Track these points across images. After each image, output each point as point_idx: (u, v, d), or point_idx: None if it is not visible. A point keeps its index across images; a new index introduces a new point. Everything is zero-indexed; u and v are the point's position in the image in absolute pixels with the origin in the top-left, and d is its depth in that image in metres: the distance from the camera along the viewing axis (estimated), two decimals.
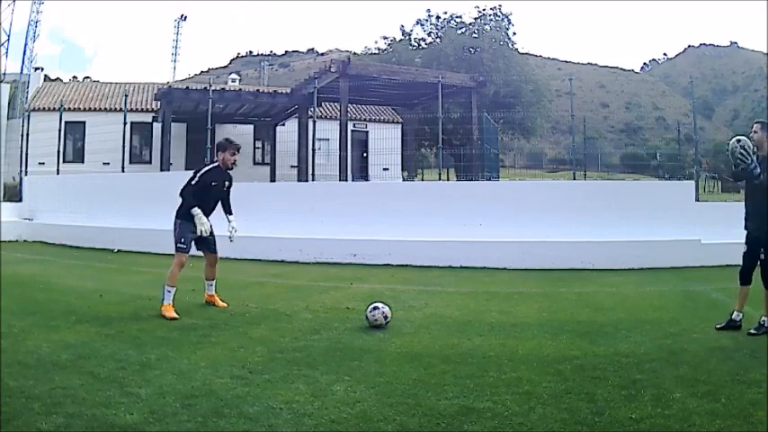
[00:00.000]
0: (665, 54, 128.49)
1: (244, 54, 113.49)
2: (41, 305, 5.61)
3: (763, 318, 4.63)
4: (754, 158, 4.77)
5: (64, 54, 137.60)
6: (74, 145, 20.97)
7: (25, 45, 25.78)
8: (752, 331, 4.58)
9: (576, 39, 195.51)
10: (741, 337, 4.56)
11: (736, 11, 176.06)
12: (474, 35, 30.98)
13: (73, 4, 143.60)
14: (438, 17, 32.56)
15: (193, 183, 5.45)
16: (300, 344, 4.33)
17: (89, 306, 5.57)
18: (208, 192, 5.54)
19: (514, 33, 35.19)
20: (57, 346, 4.05)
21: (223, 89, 19.74)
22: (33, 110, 20.24)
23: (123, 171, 14.28)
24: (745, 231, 4.96)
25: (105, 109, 21.04)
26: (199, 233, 5.32)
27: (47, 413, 2.82)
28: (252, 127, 21.69)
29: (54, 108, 18.02)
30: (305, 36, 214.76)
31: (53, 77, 40.95)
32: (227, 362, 3.80)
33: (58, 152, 14.97)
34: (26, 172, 15.59)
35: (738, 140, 4.85)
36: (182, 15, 47.47)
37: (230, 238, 5.71)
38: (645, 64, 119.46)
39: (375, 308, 4.89)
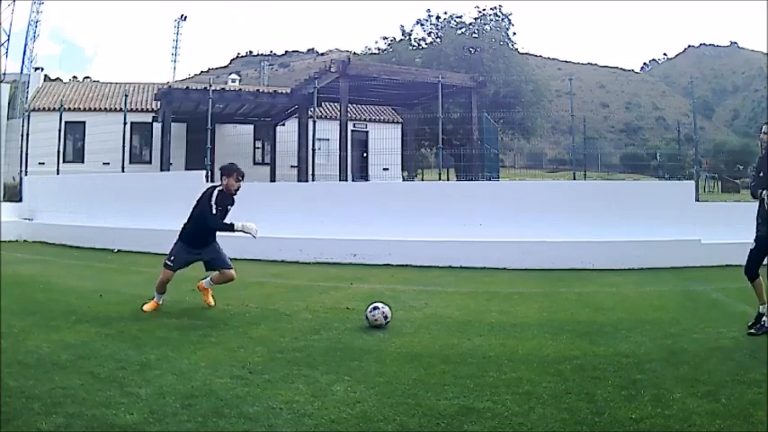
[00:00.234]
0: (665, 54, 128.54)
1: (244, 54, 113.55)
2: (41, 305, 5.61)
3: (764, 318, 4.63)
4: None
5: (64, 54, 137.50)
6: (74, 145, 20.97)
7: (25, 45, 25.80)
8: (752, 331, 4.58)
9: (576, 39, 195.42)
10: (741, 337, 4.56)
11: (736, 11, 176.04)
12: (474, 35, 30.97)
13: (73, 4, 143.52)
14: (438, 17, 32.57)
15: (215, 211, 5.38)
16: (300, 344, 4.33)
17: (89, 306, 5.58)
18: (220, 215, 5.53)
19: (514, 33, 35.20)
20: (57, 346, 4.05)
21: (223, 89, 19.74)
22: (33, 110, 20.24)
23: (123, 171, 14.28)
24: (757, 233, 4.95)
25: (105, 109, 21.04)
26: (255, 234, 5.32)
27: (47, 413, 2.82)
28: (252, 127, 21.69)
29: (54, 108, 18.02)
30: (305, 36, 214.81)
31: (53, 77, 40.98)
32: (227, 362, 3.80)
33: (58, 152, 14.96)
34: (26, 172, 15.58)
35: None
36: (182, 15, 47.42)
37: (254, 235, 5.53)
38: (645, 64, 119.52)
39: (375, 308, 4.89)
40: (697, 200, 11.14)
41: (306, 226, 10.32)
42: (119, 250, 10.98)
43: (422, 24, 32.88)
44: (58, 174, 14.83)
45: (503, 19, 31.75)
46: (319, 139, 13.20)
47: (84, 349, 4.02)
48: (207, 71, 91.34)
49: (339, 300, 6.25)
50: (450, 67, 26.35)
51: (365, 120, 23.61)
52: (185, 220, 5.63)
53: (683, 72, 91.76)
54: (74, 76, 65.84)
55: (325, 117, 18.64)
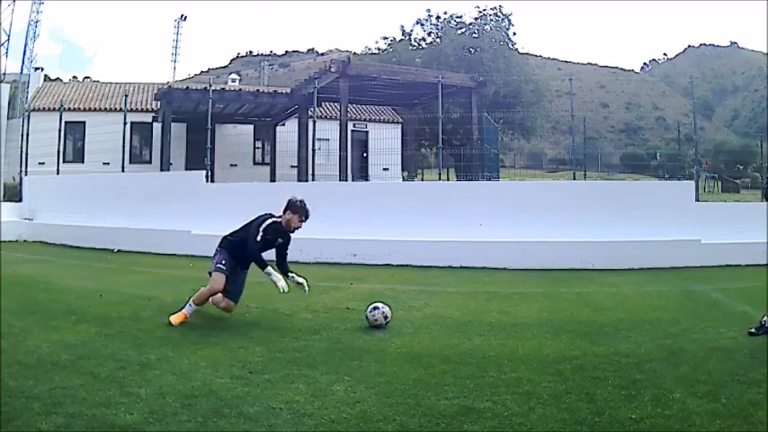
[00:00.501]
0: (665, 54, 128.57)
1: (244, 54, 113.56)
2: (41, 305, 5.61)
3: (765, 317, 4.62)
4: None
5: (64, 54, 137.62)
6: (74, 145, 20.96)
7: (25, 45, 25.78)
8: (752, 330, 4.58)
9: (576, 39, 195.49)
10: (741, 337, 4.56)
11: (736, 11, 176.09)
12: (474, 35, 30.97)
13: (73, 4, 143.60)
14: (438, 17, 32.57)
15: (259, 239, 5.05)
16: (300, 344, 4.33)
17: (89, 306, 5.57)
18: (262, 245, 5.15)
19: (514, 33, 35.17)
20: (57, 346, 4.05)
21: (223, 89, 19.73)
22: (33, 110, 20.24)
23: (123, 171, 14.28)
24: None
25: (105, 109, 21.03)
26: (281, 290, 4.91)
27: (47, 413, 2.82)
28: (252, 127, 21.69)
29: (54, 108, 18.02)
30: (305, 36, 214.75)
31: (53, 77, 40.96)
32: (227, 362, 3.80)
33: (58, 152, 14.96)
34: (26, 172, 15.58)
35: None
36: (182, 15, 47.41)
37: (305, 289, 5.12)
38: (645, 64, 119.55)
39: (375, 308, 4.89)
40: (697, 200, 11.14)
41: (306, 226, 10.27)
42: (119, 250, 10.98)
43: (422, 24, 32.91)
44: (58, 174, 14.82)
45: (503, 19, 31.77)
46: (319, 139, 13.20)
47: (84, 349, 4.02)
48: (207, 71, 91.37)
49: (339, 300, 6.25)
50: (450, 67, 26.34)
51: (365, 120, 23.61)
52: (230, 232, 5.33)
53: (683, 72, 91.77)
54: (74, 76, 65.89)
55: (326, 117, 18.63)
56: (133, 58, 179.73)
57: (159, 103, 18.37)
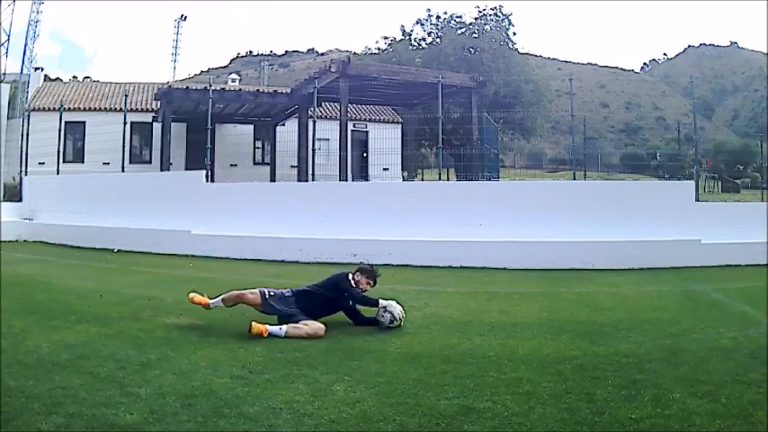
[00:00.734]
0: (665, 54, 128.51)
1: (244, 54, 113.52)
2: (41, 305, 5.61)
3: None
4: None
5: (64, 54, 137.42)
6: (74, 145, 20.96)
7: (25, 45, 25.77)
8: None
9: (576, 39, 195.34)
10: (741, 336, 4.56)
11: (736, 11, 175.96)
12: (474, 35, 30.98)
13: (73, 4, 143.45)
14: (438, 17, 32.59)
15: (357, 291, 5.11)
16: (300, 344, 4.32)
17: (89, 306, 5.57)
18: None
19: (514, 33, 35.17)
20: (57, 346, 4.05)
21: (223, 89, 19.73)
22: (33, 110, 20.24)
23: (123, 171, 14.28)
24: None
25: (105, 109, 21.03)
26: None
27: (47, 413, 2.82)
28: (252, 127, 21.69)
29: (54, 108, 18.02)
30: (305, 36, 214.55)
31: (53, 77, 40.93)
32: (227, 362, 3.80)
33: (58, 152, 14.96)
34: (26, 172, 15.58)
35: None
36: (182, 15, 47.40)
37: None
38: (645, 64, 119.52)
39: (385, 309, 4.87)
40: (697, 200, 11.14)
41: (306, 226, 10.32)
42: (119, 250, 10.97)
43: (422, 24, 32.92)
44: (58, 174, 14.82)
45: (503, 19, 31.77)
46: (319, 139, 13.19)
47: (84, 349, 4.02)
48: (207, 71, 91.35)
49: None
50: (450, 67, 26.34)
51: (365, 120, 23.61)
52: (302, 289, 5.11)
53: (683, 72, 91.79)
54: (74, 76, 65.84)
55: (326, 117, 18.63)
56: (133, 58, 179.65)
57: (159, 102, 18.37)
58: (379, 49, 33.52)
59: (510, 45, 31.52)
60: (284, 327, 4.60)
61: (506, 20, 31.85)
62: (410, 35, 33.00)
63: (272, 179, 19.43)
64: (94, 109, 21.31)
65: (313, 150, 12.64)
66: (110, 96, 22.35)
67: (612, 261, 8.93)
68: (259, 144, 22.76)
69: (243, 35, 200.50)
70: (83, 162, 19.99)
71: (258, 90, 20.57)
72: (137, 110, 20.92)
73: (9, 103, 21.48)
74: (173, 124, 17.29)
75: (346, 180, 15.28)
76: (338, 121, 16.16)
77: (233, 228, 10.76)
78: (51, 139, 15.10)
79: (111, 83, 24.78)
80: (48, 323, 4.77)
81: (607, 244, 9.26)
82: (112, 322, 4.90)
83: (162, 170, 17.33)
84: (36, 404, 2.93)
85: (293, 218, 10.57)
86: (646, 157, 29.07)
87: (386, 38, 33.89)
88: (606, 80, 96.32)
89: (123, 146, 14.46)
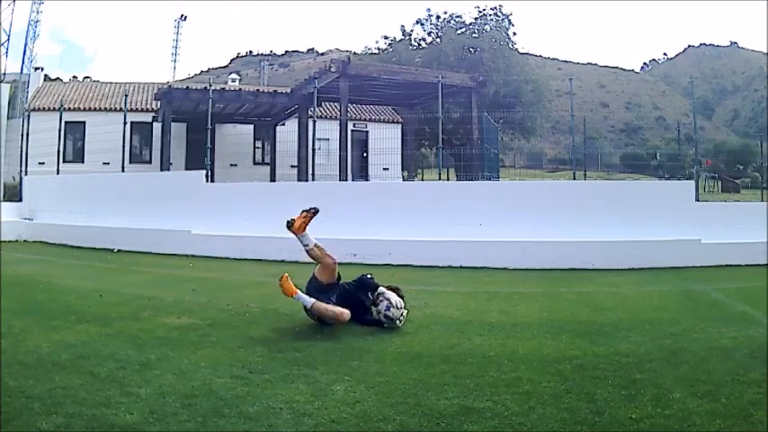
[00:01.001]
0: (665, 54, 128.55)
1: (244, 54, 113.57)
2: (41, 305, 5.61)
3: None
4: None
5: (64, 54, 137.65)
6: (74, 145, 20.99)
7: (25, 45, 25.80)
8: None
9: (576, 39, 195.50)
10: (741, 336, 4.55)
11: (736, 11, 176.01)
12: (474, 35, 30.99)
13: (73, 4, 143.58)
14: (438, 17, 32.60)
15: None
16: (300, 344, 4.32)
17: (89, 306, 5.57)
18: None
19: (514, 33, 35.24)
20: (57, 346, 4.05)
21: (223, 89, 19.76)
22: (33, 110, 20.27)
23: (123, 171, 14.28)
24: None
25: (105, 109, 21.05)
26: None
27: (47, 413, 2.82)
28: (252, 127, 21.71)
29: (54, 108, 18.03)
30: (305, 36, 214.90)
31: (53, 77, 40.94)
32: (227, 362, 3.80)
33: (58, 152, 14.95)
34: (26, 172, 15.57)
35: None
36: (182, 15, 47.48)
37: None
38: (645, 64, 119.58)
39: (388, 308, 4.86)
40: (697, 200, 11.14)
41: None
42: (119, 250, 10.97)
43: (422, 24, 32.95)
44: (58, 174, 14.82)
45: (503, 19, 31.79)
46: (319, 139, 13.20)
47: (84, 349, 4.01)
48: (207, 71, 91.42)
49: None
50: (450, 67, 26.36)
51: (365, 120, 23.64)
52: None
53: (683, 72, 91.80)
54: (74, 76, 65.89)
55: (326, 117, 18.65)
56: (133, 58, 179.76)
57: (159, 102, 18.39)
58: (379, 49, 33.55)
59: (510, 45, 31.54)
60: (312, 300, 4.65)
61: (506, 20, 31.90)
62: (410, 35, 33.02)
63: (272, 179, 19.44)
64: (94, 109, 21.33)
65: (313, 150, 12.65)
66: (110, 96, 22.37)
67: (612, 261, 8.92)
68: (259, 144, 22.79)
69: (243, 35, 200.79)
70: (83, 162, 20.02)
71: (258, 90, 20.58)
72: (137, 110, 20.94)
73: (9, 103, 21.50)
74: (173, 124, 17.31)
75: (346, 180, 15.29)
76: (338, 121, 16.18)
77: (233, 228, 10.75)
78: (51, 139, 15.10)
79: (111, 83, 24.81)
80: (48, 323, 4.77)
81: (607, 244, 9.25)
82: (112, 322, 4.89)
83: (162, 170, 17.35)
84: (36, 404, 2.92)
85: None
86: (646, 157, 29.07)
87: (386, 38, 33.94)
88: (606, 80, 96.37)
89: (123, 146, 14.46)
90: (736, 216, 10.48)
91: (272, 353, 4.05)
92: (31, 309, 5.37)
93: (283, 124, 19.68)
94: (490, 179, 15.06)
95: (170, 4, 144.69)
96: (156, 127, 20.09)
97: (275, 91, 19.64)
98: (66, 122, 15.99)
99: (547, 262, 8.95)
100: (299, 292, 4.71)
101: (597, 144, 33.46)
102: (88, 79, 50.47)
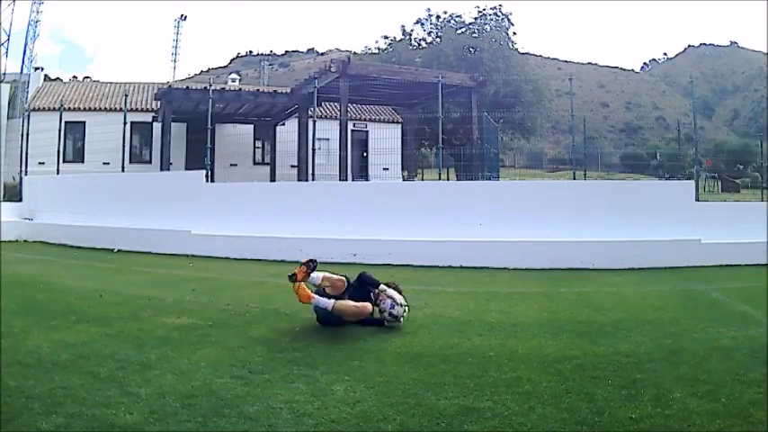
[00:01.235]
0: (665, 54, 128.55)
1: (244, 54, 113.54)
2: (41, 305, 5.61)
3: None
4: None
5: (64, 54, 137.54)
6: (74, 145, 20.97)
7: (25, 45, 25.78)
8: None
9: (576, 39, 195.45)
10: (741, 336, 4.56)
11: (736, 11, 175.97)
12: (474, 35, 30.97)
13: (73, 4, 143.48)
14: (438, 17, 32.58)
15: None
16: (300, 344, 4.32)
17: (89, 306, 5.57)
18: None
19: (514, 33, 35.20)
20: (57, 346, 4.05)
21: (223, 89, 19.74)
22: (33, 110, 20.25)
23: (123, 171, 14.28)
24: None
25: (105, 109, 21.04)
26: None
27: (47, 413, 2.82)
28: (252, 127, 21.70)
29: (54, 108, 18.03)
30: (305, 36, 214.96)
31: (53, 77, 40.92)
32: (227, 362, 3.80)
33: (58, 152, 14.95)
34: (26, 172, 15.58)
35: None
36: (182, 15, 47.48)
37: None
38: (645, 64, 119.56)
39: (393, 306, 4.87)
40: (697, 200, 11.14)
41: (306, 226, 10.32)
42: (119, 250, 10.97)
43: (422, 24, 32.91)
44: (58, 174, 14.82)
45: (503, 19, 31.76)
46: (319, 139, 13.19)
47: (84, 349, 4.02)
48: (207, 71, 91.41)
49: None
50: (450, 67, 26.34)
51: (365, 119, 23.62)
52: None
53: (683, 72, 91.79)
54: (74, 76, 65.83)
55: (326, 117, 18.64)
56: (133, 58, 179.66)
57: (159, 102, 18.37)
58: (379, 48, 33.50)
59: (510, 45, 31.51)
60: (332, 301, 4.64)
61: (506, 20, 31.86)
62: (410, 35, 32.99)
63: (272, 179, 19.43)
64: (94, 109, 21.31)
65: (313, 150, 12.64)
66: (110, 96, 22.36)
67: (612, 261, 8.92)
68: (259, 144, 22.77)
69: (243, 35, 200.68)
70: (83, 162, 20.00)
71: (258, 90, 20.56)
72: (137, 110, 20.92)
73: (9, 103, 21.49)
74: (173, 124, 17.30)
75: (346, 180, 15.29)
76: (338, 121, 16.17)
77: (233, 228, 10.76)
78: (51, 138, 15.10)
79: (111, 83, 24.78)
80: (48, 323, 4.77)
81: (607, 244, 9.26)
82: (112, 322, 4.90)
83: (162, 170, 17.33)
84: (36, 404, 2.93)
85: (293, 218, 10.56)
86: (646, 157, 29.06)
87: (386, 38, 33.89)
88: (606, 80, 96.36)
89: (123, 146, 14.45)
90: (736, 216, 10.48)
91: (272, 353, 4.06)
92: (31, 309, 5.37)
93: (283, 124, 19.68)
94: (490, 179, 15.06)
95: (170, 4, 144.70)
96: (156, 127, 20.07)
97: (275, 91, 19.63)
98: (66, 122, 15.99)
99: (547, 262, 8.95)
100: (316, 296, 4.69)
101: (597, 144, 33.48)
102: (88, 79, 50.47)
